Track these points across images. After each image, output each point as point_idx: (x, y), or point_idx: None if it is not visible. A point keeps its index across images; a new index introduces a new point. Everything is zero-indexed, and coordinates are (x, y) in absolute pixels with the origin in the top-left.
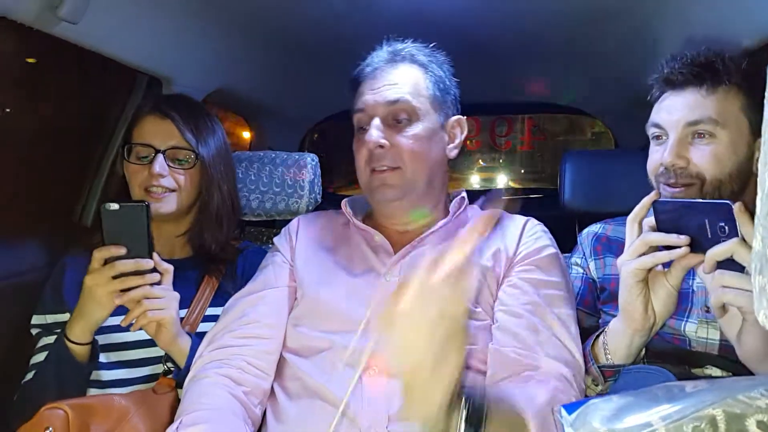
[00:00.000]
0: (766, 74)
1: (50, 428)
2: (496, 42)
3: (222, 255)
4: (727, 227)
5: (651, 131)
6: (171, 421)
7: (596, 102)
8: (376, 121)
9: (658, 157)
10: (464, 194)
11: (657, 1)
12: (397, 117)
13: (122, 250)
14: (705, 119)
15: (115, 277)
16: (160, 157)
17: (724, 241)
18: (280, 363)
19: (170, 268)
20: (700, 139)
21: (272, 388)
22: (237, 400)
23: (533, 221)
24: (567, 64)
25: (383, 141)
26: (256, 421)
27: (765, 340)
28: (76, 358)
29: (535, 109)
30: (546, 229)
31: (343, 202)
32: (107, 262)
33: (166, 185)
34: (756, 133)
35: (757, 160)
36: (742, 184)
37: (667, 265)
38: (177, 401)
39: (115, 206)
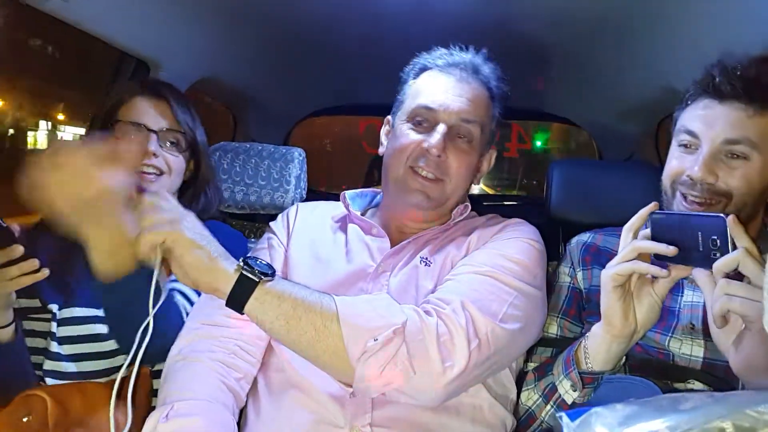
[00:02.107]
0: None
1: (29, 415)
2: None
3: None
4: (719, 241)
5: (681, 137)
6: (148, 409)
7: (583, 112)
8: (443, 128)
9: (683, 165)
10: (468, 203)
11: (650, 17)
12: (461, 134)
13: None
14: (744, 140)
15: None
16: (154, 136)
17: (715, 254)
18: (267, 353)
19: None
20: (734, 159)
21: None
22: (228, 389)
23: (518, 221)
24: (557, 74)
25: (443, 153)
26: (241, 410)
27: (763, 351)
28: None
29: (523, 116)
30: (534, 228)
31: (342, 195)
32: None
33: (158, 166)
34: None
35: None
36: (759, 206)
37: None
38: (153, 390)
39: None
